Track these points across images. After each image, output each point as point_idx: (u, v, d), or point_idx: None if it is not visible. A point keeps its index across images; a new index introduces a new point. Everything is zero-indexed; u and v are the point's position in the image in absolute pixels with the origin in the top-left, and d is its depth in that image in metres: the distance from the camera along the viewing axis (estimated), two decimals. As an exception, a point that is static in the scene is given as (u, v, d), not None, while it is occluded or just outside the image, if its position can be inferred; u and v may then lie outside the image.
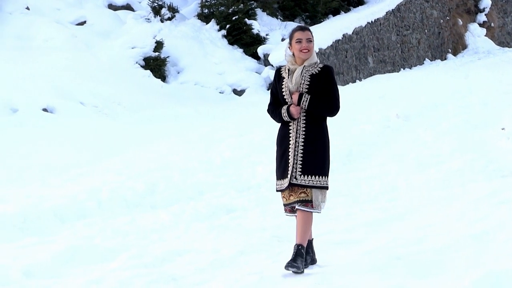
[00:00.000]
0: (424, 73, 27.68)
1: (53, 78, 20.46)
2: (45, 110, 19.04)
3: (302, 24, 7.79)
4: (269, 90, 7.94)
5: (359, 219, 9.80)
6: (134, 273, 7.87)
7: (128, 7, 27.46)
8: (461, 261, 7.29)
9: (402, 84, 23.37)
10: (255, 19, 26.97)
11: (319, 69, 7.75)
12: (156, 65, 23.94)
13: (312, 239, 7.93)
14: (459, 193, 10.99)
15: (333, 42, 26.65)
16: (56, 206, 10.31)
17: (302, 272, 7.45)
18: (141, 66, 23.71)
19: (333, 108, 7.72)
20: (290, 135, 7.71)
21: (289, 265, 7.44)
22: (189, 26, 26.48)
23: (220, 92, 24.37)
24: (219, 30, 26.61)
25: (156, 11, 26.59)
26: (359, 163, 13.66)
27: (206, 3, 27.14)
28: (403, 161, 13.51)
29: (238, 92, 24.58)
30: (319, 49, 25.76)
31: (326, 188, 7.72)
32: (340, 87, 26.46)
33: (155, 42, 24.46)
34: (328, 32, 27.02)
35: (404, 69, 30.69)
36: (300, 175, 7.60)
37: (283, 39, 26.83)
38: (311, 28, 26.60)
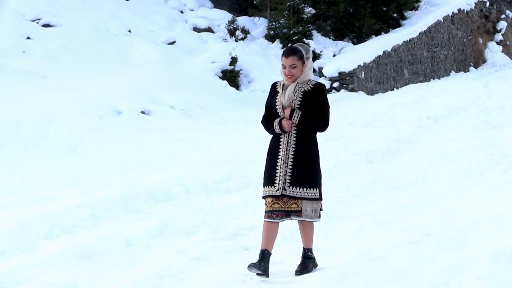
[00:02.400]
0: (450, 83, 27.38)
1: (149, 87, 20.64)
2: (143, 112, 19.21)
3: (291, 46, 6.55)
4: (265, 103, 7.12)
5: (396, 202, 9.72)
6: (212, 245, 7.90)
7: (209, 30, 27.58)
8: (482, 238, 7.18)
9: (432, 92, 23.14)
10: (311, 39, 26.96)
11: (312, 87, 6.79)
12: (231, 76, 24.05)
13: (271, 254, 6.78)
14: (479, 181, 10.85)
15: (375, 57, 26.52)
16: (151, 190, 10.38)
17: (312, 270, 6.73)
18: (219, 77, 23.81)
19: (322, 125, 6.75)
20: (281, 147, 6.75)
21: (299, 273, 6.68)
22: (258, 45, 26.53)
23: (283, 98, 24.34)
24: (282, 48, 26.60)
25: (232, 33, 26.72)
26: (396, 156, 13.56)
27: (272, 26, 27.19)
28: (432, 155, 13.38)
29: (298, 98, 24.49)
30: (363, 63, 25.64)
31: (318, 199, 6.73)
32: (380, 94, 26.46)
33: (231, 58, 24.55)
34: (371, 49, 26.90)
35: (433, 79, 30.40)
36: (289, 186, 6.63)
37: (334, 55, 26.79)
38: (358, 46, 26.43)
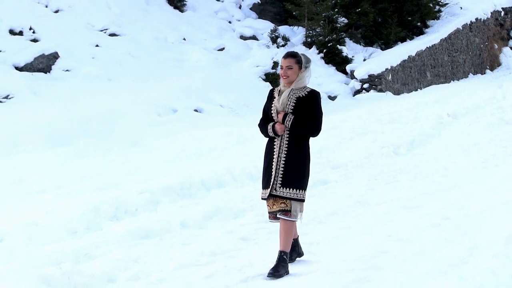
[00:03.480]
0: (468, 84, 27.07)
1: (201, 88, 20.72)
2: (196, 110, 19.30)
3: (291, 51, 6.03)
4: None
5: (419, 189, 9.64)
6: (257, 226, 7.91)
7: (254, 38, 27.62)
8: (496, 221, 7.10)
9: (451, 92, 22.91)
10: (344, 45, 26.91)
11: (306, 93, 6.26)
12: (273, 78, 24.05)
13: (298, 236, 6.57)
14: (494, 171, 10.71)
15: (401, 61, 26.36)
16: (203, 178, 10.42)
17: (285, 274, 6.07)
18: (263, 80, 23.83)
19: (314, 129, 6.21)
20: (274, 150, 6.30)
21: (271, 275, 6.00)
22: (296, 51, 26.47)
23: (319, 98, 24.34)
24: (318, 53, 26.56)
25: (274, 40, 26.74)
26: (419, 149, 13.44)
27: (309, 34, 27.16)
28: (452, 148, 13.25)
29: (332, 98, 24.48)
30: (390, 66, 25.48)
31: (303, 200, 6.21)
32: (405, 94, 26.22)
33: (273, 62, 24.56)
34: (397, 54, 26.74)
35: (453, 81, 30.08)
36: (280, 187, 6.17)
37: (364, 60, 26.67)
38: (386, 51, 26.29)
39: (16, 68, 20.06)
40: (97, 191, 9.94)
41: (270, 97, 6.46)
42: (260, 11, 29.97)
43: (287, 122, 6.21)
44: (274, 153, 6.31)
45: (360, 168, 11.56)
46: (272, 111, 6.35)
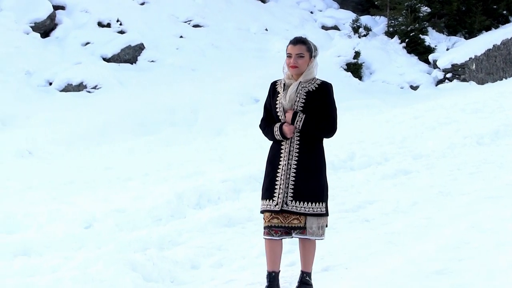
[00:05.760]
0: (556, 73, 26.19)
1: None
2: (277, 100, 19.35)
3: (299, 36, 5.28)
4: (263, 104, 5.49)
5: (504, 180, 9.37)
6: (338, 216, 7.86)
7: (335, 28, 27.46)
8: None
9: (538, 81, 22.21)
10: (427, 35, 26.53)
11: (317, 86, 5.24)
12: (355, 68, 23.89)
13: (279, 271, 5.36)
14: None
15: (485, 51, 25.76)
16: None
17: None
18: (344, 69, 23.69)
19: (329, 129, 5.24)
20: (282, 155, 5.18)
21: None
22: (378, 40, 26.20)
23: (400, 88, 24.04)
24: (400, 43, 26.25)
25: (355, 30, 26.57)
26: (504, 139, 13.06)
27: (391, 24, 26.88)
28: (539, 138, 12.83)
29: (414, 88, 24.16)
30: (474, 56, 24.92)
31: (324, 214, 5.19)
32: (490, 84, 25.54)
33: (354, 52, 24.37)
34: (482, 43, 26.15)
35: (540, 69, 29.18)
36: (292, 201, 5.10)
37: (447, 49, 26.16)
38: (470, 40, 25.54)
39: (104, 59, 20.57)
40: (181, 179, 10.09)
41: (273, 91, 5.37)
42: (341, 1, 29.75)
43: (298, 123, 5.17)
44: (281, 159, 5.20)
45: (442, 158, 11.34)
46: (278, 110, 5.26)
